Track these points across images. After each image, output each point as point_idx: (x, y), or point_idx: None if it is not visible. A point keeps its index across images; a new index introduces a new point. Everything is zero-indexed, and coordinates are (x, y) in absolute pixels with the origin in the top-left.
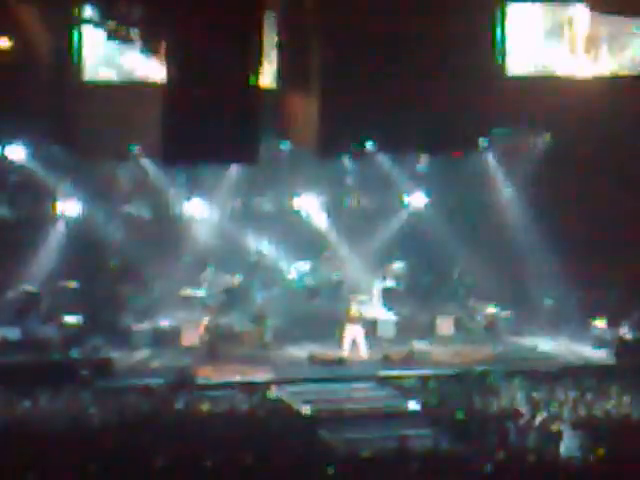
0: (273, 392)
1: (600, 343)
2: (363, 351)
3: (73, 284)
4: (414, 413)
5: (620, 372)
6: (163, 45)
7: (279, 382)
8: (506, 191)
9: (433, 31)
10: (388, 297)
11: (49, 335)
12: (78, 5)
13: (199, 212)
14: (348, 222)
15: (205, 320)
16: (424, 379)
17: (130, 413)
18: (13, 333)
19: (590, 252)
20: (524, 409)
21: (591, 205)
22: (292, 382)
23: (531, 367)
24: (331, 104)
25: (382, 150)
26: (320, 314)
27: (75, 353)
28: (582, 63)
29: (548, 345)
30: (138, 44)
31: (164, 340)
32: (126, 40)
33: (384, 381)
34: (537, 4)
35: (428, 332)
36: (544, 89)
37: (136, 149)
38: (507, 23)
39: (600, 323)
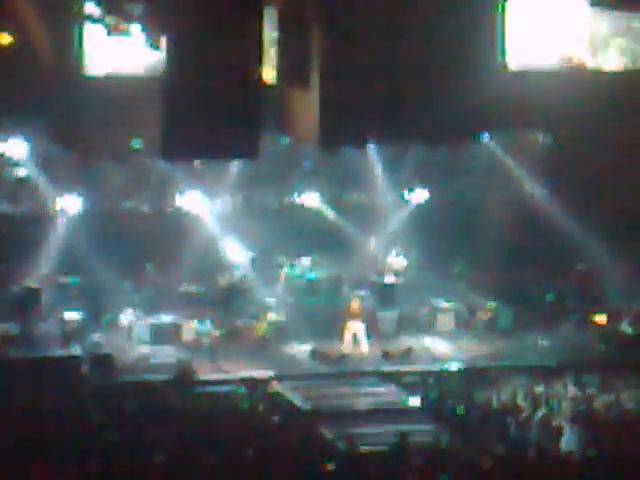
0: (274, 388)
1: (600, 338)
2: (364, 347)
3: (74, 280)
4: (414, 409)
5: (620, 367)
6: (163, 40)
7: (280, 378)
8: (507, 186)
9: (435, 24)
10: (388, 292)
11: (50, 331)
12: (78, 0)
13: (200, 207)
14: (348, 217)
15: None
16: (424, 375)
17: (130, 409)
18: (14, 328)
19: (588, 247)
20: (524, 405)
21: (590, 200)
22: (293, 378)
23: (531, 363)
24: (331, 98)
25: (382, 144)
26: (321, 310)
27: (76, 349)
28: (586, 57)
29: (548, 340)
30: (138, 39)
31: (164, 336)
32: (126, 35)
33: (384, 376)
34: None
35: (428, 328)
36: (547, 84)
37: (136, 144)
38: (508, 17)
39: (600, 318)
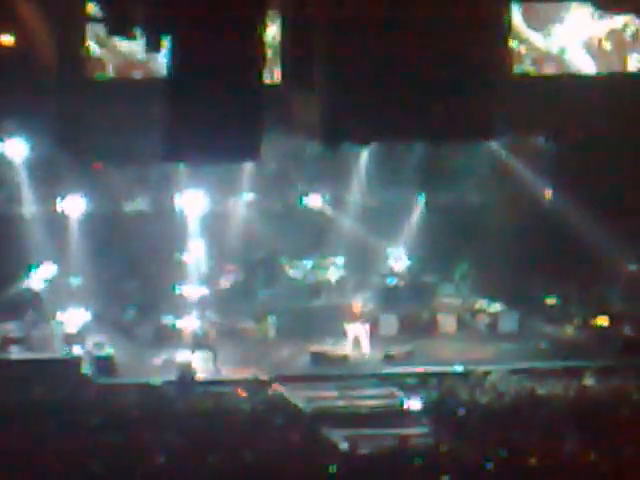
0: (275, 389)
1: (602, 340)
2: (365, 348)
3: (76, 280)
4: (415, 411)
5: (622, 370)
6: (165, 41)
7: (281, 379)
8: (511, 188)
9: (439, 21)
10: (391, 294)
11: (51, 331)
12: (81, 1)
13: (202, 208)
14: (352, 218)
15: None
16: (426, 377)
17: (132, 410)
18: (15, 329)
19: (592, 250)
20: (525, 406)
21: (593, 202)
22: (294, 380)
23: (533, 365)
24: (333, 96)
25: (384, 142)
26: (322, 311)
27: (78, 350)
28: (589, 60)
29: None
30: (140, 41)
31: (166, 337)
32: (128, 35)
33: (386, 378)
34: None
35: (431, 330)
36: (551, 87)
37: (138, 144)
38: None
39: (602, 321)
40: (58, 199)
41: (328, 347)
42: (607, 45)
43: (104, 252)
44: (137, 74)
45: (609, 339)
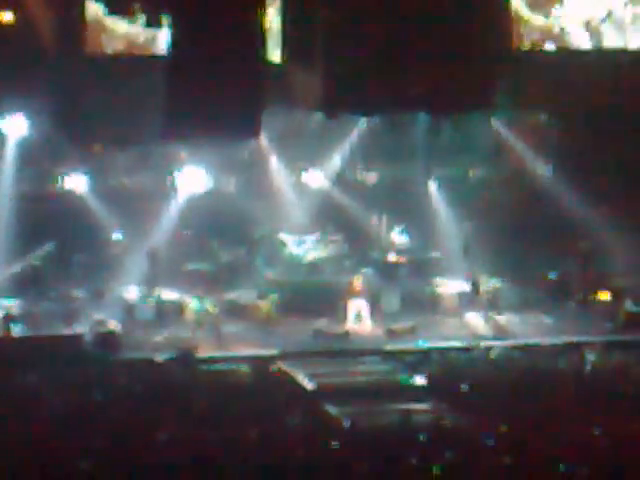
0: (278, 366)
1: (604, 316)
2: (367, 324)
3: (77, 257)
4: (418, 387)
5: (624, 346)
6: (165, 18)
7: (284, 356)
8: (511, 165)
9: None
10: (392, 270)
11: (53, 309)
12: None
13: (204, 186)
14: (352, 195)
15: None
16: (428, 353)
17: (134, 387)
18: (16, 307)
19: (592, 225)
20: (526, 383)
21: (591, 179)
22: (296, 356)
23: (535, 341)
24: (334, 68)
25: (384, 112)
26: (324, 288)
27: (79, 327)
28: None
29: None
30: (140, 17)
31: (168, 314)
32: (128, 13)
33: (388, 355)
34: None
35: (432, 306)
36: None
37: (138, 123)
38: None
39: (604, 296)
40: (61, 177)
41: (330, 323)
42: (607, 25)
43: (105, 228)
44: (136, 53)
45: (610, 314)
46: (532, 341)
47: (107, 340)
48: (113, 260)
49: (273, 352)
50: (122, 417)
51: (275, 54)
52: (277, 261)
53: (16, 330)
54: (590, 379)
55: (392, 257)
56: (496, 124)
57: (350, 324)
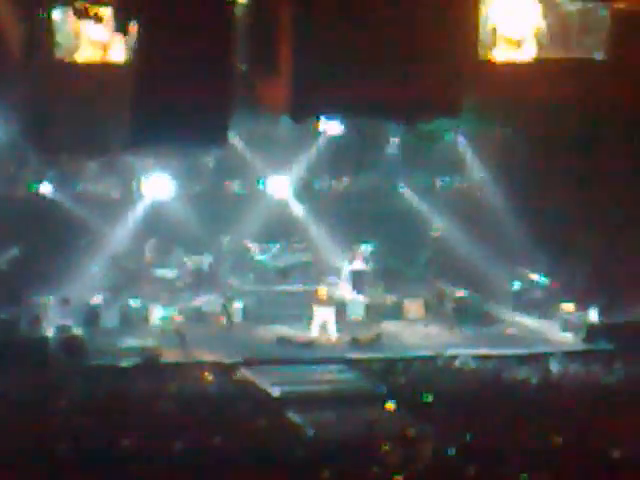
0: (241, 373)
1: (568, 327)
2: (332, 333)
3: (45, 263)
4: (382, 396)
5: (589, 357)
6: (133, 25)
7: (248, 363)
8: (478, 174)
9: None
10: (357, 279)
11: (17, 315)
12: None
13: (169, 193)
14: (318, 203)
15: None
16: (392, 362)
17: (97, 393)
18: None
19: (559, 235)
20: (491, 392)
21: (561, 189)
22: (261, 364)
23: (499, 351)
24: (303, 72)
25: (351, 117)
26: (289, 296)
27: (43, 333)
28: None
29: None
30: (108, 24)
31: (133, 320)
32: (96, 20)
33: (353, 363)
34: None
35: (397, 315)
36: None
37: (106, 129)
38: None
39: (568, 307)
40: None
41: (295, 331)
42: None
43: (70, 234)
44: (105, 60)
45: (573, 325)
46: (496, 351)
47: (71, 346)
48: (79, 266)
49: (237, 359)
50: (85, 423)
51: (242, 58)
52: (242, 268)
53: None
54: (553, 388)
55: (358, 265)
56: (462, 133)
57: (315, 332)
